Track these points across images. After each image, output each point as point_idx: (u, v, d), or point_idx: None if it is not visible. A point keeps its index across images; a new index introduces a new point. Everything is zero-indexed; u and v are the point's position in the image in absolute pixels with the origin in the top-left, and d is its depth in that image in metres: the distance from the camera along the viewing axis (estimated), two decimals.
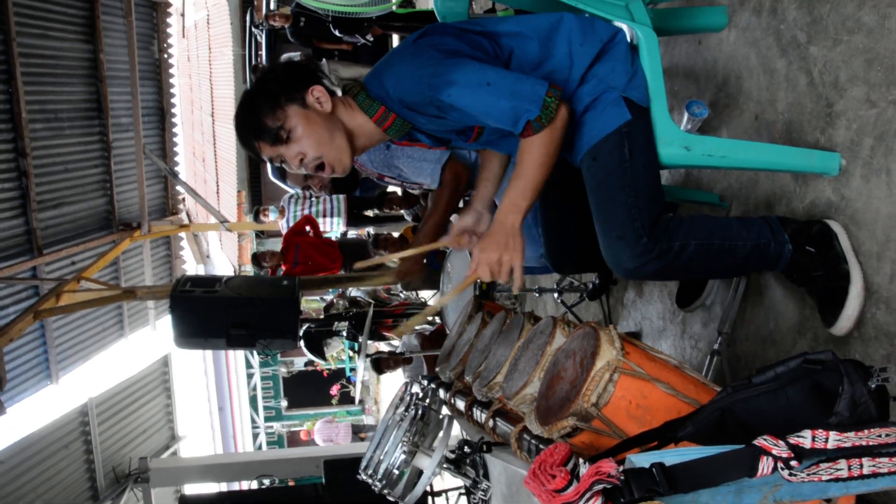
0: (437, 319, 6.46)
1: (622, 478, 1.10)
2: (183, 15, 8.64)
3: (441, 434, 1.80)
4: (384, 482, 1.76)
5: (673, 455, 1.13)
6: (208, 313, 4.72)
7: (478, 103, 1.65)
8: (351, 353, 14.65)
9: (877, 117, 1.72)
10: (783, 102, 2.07)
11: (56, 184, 6.26)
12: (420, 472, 1.76)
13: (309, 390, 17.16)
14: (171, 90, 8.06)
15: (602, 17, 1.90)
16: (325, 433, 12.55)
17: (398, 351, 6.29)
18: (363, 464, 1.99)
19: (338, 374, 16.32)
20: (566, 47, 1.76)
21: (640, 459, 1.16)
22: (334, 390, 13.62)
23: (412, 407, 1.84)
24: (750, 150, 1.89)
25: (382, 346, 8.61)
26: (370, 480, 1.91)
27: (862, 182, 1.77)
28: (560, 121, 1.66)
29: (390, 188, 8.27)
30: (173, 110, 8.17)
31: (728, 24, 2.33)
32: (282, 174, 3.70)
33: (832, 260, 1.76)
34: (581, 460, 1.15)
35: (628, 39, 1.87)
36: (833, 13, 1.86)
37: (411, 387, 2.06)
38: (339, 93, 1.84)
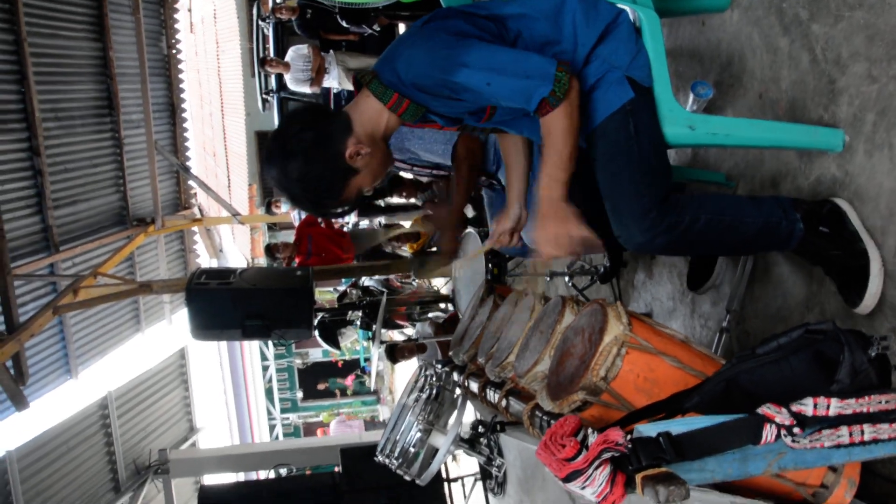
0: (451, 307, 6.51)
1: (630, 446, 1.14)
2: (190, 10, 8.68)
3: (455, 413, 1.84)
4: (400, 461, 1.80)
5: (679, 424, 1.17)
6: (224, 305, 4.79)
7: (490, 83, 1.68)
8: (365, 343, 14.76)
9: (878, 92, 1.74)
10: (786, 80, 2.09)
11: (70, 181, 6.34)
12: (435, 451, 1.80)
13: (327, 375, 17.32)
14: (181, 85, 8.11)
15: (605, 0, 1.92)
16: (340, 431, 12.69)
17: (413, 337, 6.33)
18: (380, 446, 2.03)
19: (352, 366, 16.45)
20: (571, 28, 1.79)
21: (648, 429, 1.19)
22: (349, 381, 13.72)
23: (427, 387, 1.88)
24: (754, 128, 1.91)
25: (397, 336, 8.68)
26: (387, 461, 1.96)
27: (865, 157, 1.79)
28: (574, 92, 1.70)
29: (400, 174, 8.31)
30: (183, 105, 8.23)
31: (731, 4, 2.34)
32: None
33: (847, 239, 1.77)
34: (590, 430, 1.18)
35: (631, 20, 1.90)
36: None
37: (426, 369, 2.10)
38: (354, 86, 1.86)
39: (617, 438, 1.14)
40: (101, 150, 6.78)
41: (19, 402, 5.00)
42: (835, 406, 1.14)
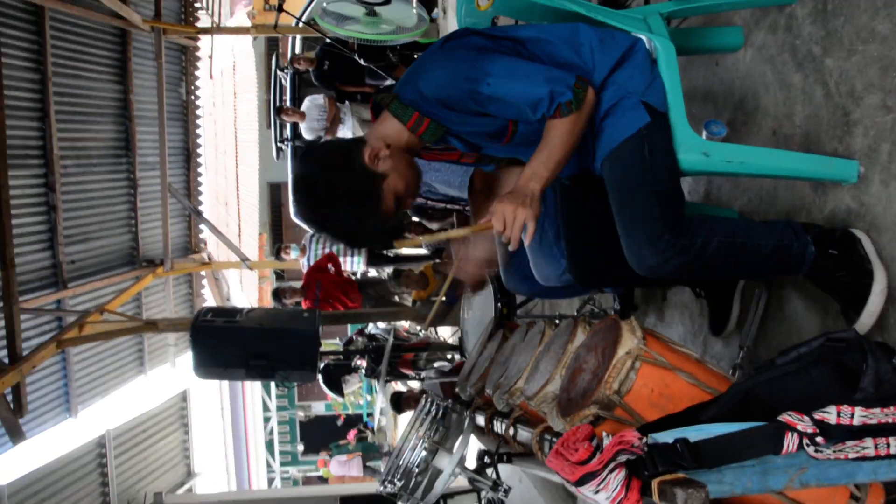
0: (458, 356, 6.44)
1: (646, 450, 1.10)
2: (211, 57, 8.89)
3: (462, 435, 1.79)
4: (403, 482, 1.75)
5: (696, 431, 1.14)
6: (228, 343, 4.75)
7: (516, 90, 1.71)
8: (369, 398, 14.55)
9: (893, 122, 1.74)
10: (800, 115, 2.10)
11: (83, 219, 6.40)
12: (439, 474, 1.75)
13: (326, 435, 17.05)
14: (197, 131, 8.25)
15: (621, 30, 1.95)
16: (341, 469, 12.45)
17: (418, 377, 6.23)
18: (383, 475, 1.98)
19: (355, 420, 16.22)
20: (588, 53, 1.82)
21: (664, 436, 1.16)
22: (350, 436, 13.50)
23: (433, 409, 1.84)
24: (769, 157, 1.91)
25: (401, 387, 8.57)
26: (390, 487, 1.90)
27: (881, 187, 1.79)
28: (588, 105, 1.73)
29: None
30: (199, 150, 8.35)
31: (744, 43, 2.38)
32: None
33: (856, 261, 1.77)
34: (605, 433, 1.15)
35: (647, 49, 1.92)
36: (847, 25, 1.90)
37: (432, 395, 2.06)
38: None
39: (633, 440, 1.10)
40: (115, 190, 6.86)
41: (16, 434, 4.93)
42: (859, 415, 1.11)
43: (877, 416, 1.12)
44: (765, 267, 1.84)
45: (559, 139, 1.72)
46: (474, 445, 2.36)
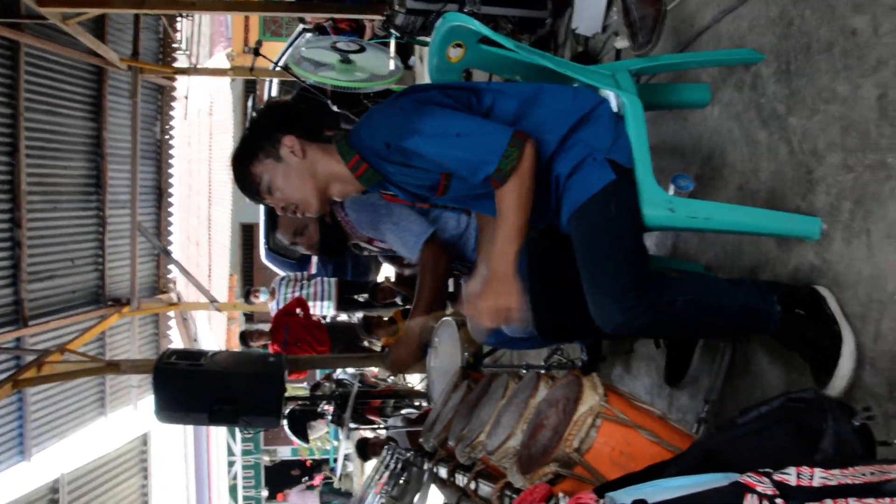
0: (425, 403, 6.36)
1: None
2: (186, 97, 8.89)
3: (420, 490, 1.74)
4: None
5: (653, 488, 1.11)
6: (192, 387, 4.64)
7: (438, 153, 1.74)
8: (335, 443, 14.28)
9: (854, 181, 1.77)
10: (766, 171, 2.13)
11: (49, 256, 6.29)
12: None
13: (291, 480, 16.67)
14: (170, 170, 8.20)
15: (590, 86, 1.98)
16: (299, 500, 12.15)
17: (383, 427, 6.14)
18: None
19: (320, 465, 15.88)
20: (543, 111, 1.84)
21: (621, 496, 1.13)
22: (317, 480, 13.21)
23: (392, 462, 1.79)
24: (733, 213, 1.93)
25: (369, 434, 8.44)
26: None
27: (843, 245, 1.80)
28: (526, 163, 1.71)
29: (380, 278, 8.30)
30: (170, 190, 8.29)
31: (712, 99, 2.42)
32: (273, 227, 3.72)
33: (823, 321, 1.76)
34: (561, 494, 1.12)
35: (613, 108, 1.94)
36: (809, 85, 1.94)
37: (395, 445, 2.01)
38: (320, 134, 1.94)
39: (589, 502, 1.07)
40: (83, 227, 6.77)
41: None
42: (819, 476, 1.09)
43: (837, 477, 1.10)
44: (731, 326, 1.84)
45: (509, 209, 1.73)
46: (437, 498, 2.31)
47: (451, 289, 4.22)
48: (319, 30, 6.73)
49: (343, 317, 8.13)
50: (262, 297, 8.20)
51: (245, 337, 6.63)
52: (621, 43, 3.00)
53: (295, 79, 4.40)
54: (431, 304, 2.92)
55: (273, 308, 7.25)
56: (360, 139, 1.84)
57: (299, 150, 1.87)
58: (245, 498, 16.91)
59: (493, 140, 1.71)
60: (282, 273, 8.05)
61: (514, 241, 1.73)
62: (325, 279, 7.30)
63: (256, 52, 4.67)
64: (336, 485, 12.05)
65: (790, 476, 1.09)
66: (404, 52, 7.29)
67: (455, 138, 1.72)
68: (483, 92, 1.86)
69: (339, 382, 6.87)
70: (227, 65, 11.12)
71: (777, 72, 2.09)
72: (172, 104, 8.14)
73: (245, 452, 16.54)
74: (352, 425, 5.84)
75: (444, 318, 3.76)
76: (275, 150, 1.88)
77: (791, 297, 1.82)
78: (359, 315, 7.61)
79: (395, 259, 5.36)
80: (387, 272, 8.67)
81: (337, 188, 1.94)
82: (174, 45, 8.15)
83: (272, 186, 1.91)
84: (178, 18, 8.22)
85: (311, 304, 7.04)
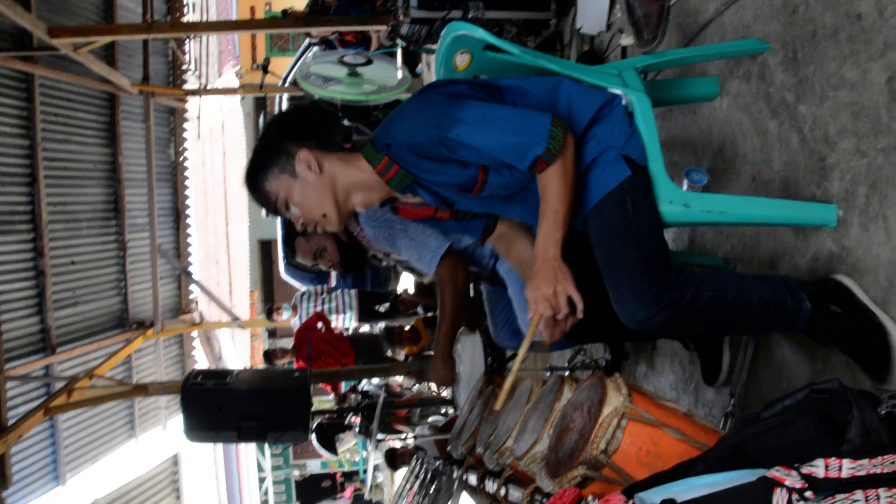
0: (451, 410, 6.37)
1: None
2: (199, 118, 8.98)
3: (452, 497, 1.75)
4: None
5: (681, 487, 1.11)
6: (219, 406, 4.68)
7: (486, 139, 1.70)
8: (364, 454, 14.32)
9: (868, 166, 1.76)
10: (778, 161, 2.12)
11: (72, 283, 6.37)
12: None
13: (322, 492, 16.71)
14: (186, 192, 8.28)
15: (598, 86, 1.98)
16: None
17: (411, 436, 6.15)
18: None
19: (351, 477, 15.93)
20: (566, 105, 1.83)
21: (650, 496, 1.13)
22: (347, 493, 13.24)
23: (423, 472, 1.80)
24: (748, 205, 1.92)
25: (397, 444, 8.45)
26: None
27: (860, 230, 1.79)
28: (569, 148, 1.72)
29: (400, 289, 8.31)
30: (188, 211, 8.37)
31: (720, 92, 2.41)
32: (291, 244, 3.73)
33: (861, 315, 1.74)
34: (591, 497, 1.12)
35: (624, 105, 1.94)
36: (818, 72, 1.93)
37: (423, 456, 2.02)
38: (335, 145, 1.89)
39: (618, 503, 1.07)
40: (104, 253, 6.85)
41: None
42: (847, 467, 1.08)
43: (865, 467, 1.10)
44: (756, 322, 1.80)
45: (556, 194, 1.71)
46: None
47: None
48: (326, 43, 6.77)
49: (365, 328, 8.16)
50: (285, 315, 8.24)
51: (269, 356, 6.67)
52: (626, 40, 3.00)
53: (304, 94, 4.43)
54: (456, 318, 2.93)
55: (296, 324, 7.30)
56: (392, 138, 1.77)
57: (315, 165, 1.81)
58: None
59: (536, 121, 1.70)
60: (302, 287, 8.10)
61: (560, 227, 1.72)
62: (346, 291, 7.34)
63: (265, 70, 4.71)
64: (367, 496, 12.09)
65: (818, 468, 1.09)
66: (411, 61, 7.32)
67: (500, 122, 1.69)
68: (504, 90, 1.85)
69: (365, 394, 6.89)
70: (236, 83, 11.23)
71: (784, 60, 2.09)
72: (185, 125, 8.23)
73: (275, 468, 16.62)
74: (379, 436, 5.85)
75: (461, 330, 3.76)
76: (290, 165, 1.82)
77: (820, 294, 1.79)
78: (381, 326, 7.64)
79: (414, 269, 5.38)
80: (406, 281, 8.68)
81: (359, 198, 1.88)
82: (184, 67, 8.25)
83: (289, 202, 1.86)
84: (186, 40, 8.32)
85: (332, 317, 7.08)
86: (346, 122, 4.27)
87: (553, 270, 1.71)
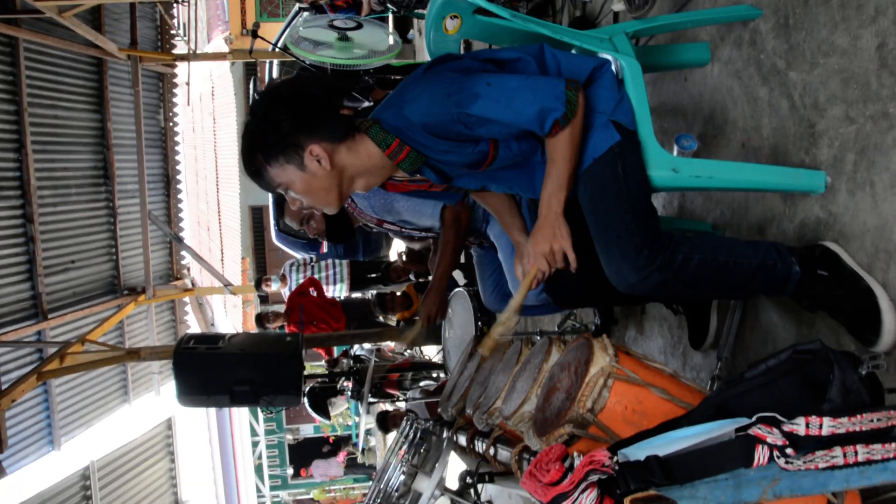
0: (443, 375, 6.43)
1: (617, 468, 1.11)
2: (188, 84, 8.89)
3: (441, 456, 1.79)
4: None
5: (663, 441, 1.14)
6: (212, 370, 4.72)
7: (507, 110, 1.69)
8: (356, 419, 14.48)
9: (857, 133, 1.77)
10: (768, 128, 2.13)
11: (62, 249, 6.35)
12: (419, 496, 1.75)
13: (315, 457, 16.92)
14: (177, 157, 8.23)
15: (588, 50, 1.98)
16: (322, 469, 12.36)
17: (404, 396, 6.21)
18: (366, 501, 1.97)
19: (343, 442, 16.10)
20: (554, 71, 1.83)
21: (634, 451, 1.16)
22: (341, 457, 13.40)
23: (412, 432, 1.83)
24: (736, 171, 1.94)
25: (388, 407, 8.54)
26: None
27: (848, 197, 1.81)
28: (581, 110, 1.74)
29: (392, 257, 8.32)
30: (178, 177, 8.32)
31: (711, 58, 2.41)
32: (281, 211, 3.78)
33: (848, 279, 1.76)
34: (576, 453, 1.15)
35: (614, 70, 1.94)
36: (809, 39, 1.94)
37: (413, 416, 2.05)
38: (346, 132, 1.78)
39: (603, 459, 1.10)
40: (94, 219, 6.83)
41: None
42: (827, 425, 1.12)
43: (845, 425, 1.13)
44: (747, 286, 1.83)
45: (564, 157, 1.74)
46: (457, 465, 2.36)
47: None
48: (316, 8, 6.69)
49: (357, 294, 8.19)
50: (274, 286, 8.24)
51: (261, 319, 6.69)
52: (618, 6, 2.98)
53: (294, 59, 4.38)
54: (456, 256, 3.09)
55: (285, 294, 7.30)
56: (404, 119, 1.71)
57: (326, 161, 1.72)
58: (271, 476, 17.19)
59: (551, 86, 1.71)
60: (294, 254, 8.09)
61: (564, 187, 1.76)
62: (337, 261, 7.32)
63: (255, 35, 4.65)
64: (360, 459, 12.24)
65: (799, 426, 1.12)
66: (402, 26, 7.25)
67: (518, 92, 1.69)
68: (504, 63, 1.83)
69: (357, 358, 6.94)
70: (225, 48, 11.07)
71: (775, 27, 2.08)
72: (174, 91, 8.14)
73: (268, 432, 16.79)
74: (371, 399, 5.92)
75: (457, 290, 3.80)
76: (297, 157, 1.72)
77: (807, 258, 1.82)
78: (373, 291, 7.66)
79: (406, 235, 5.40)
80: (398, 248, 8.69)
81: (362, 183, 1.83)
82: (172, 32, 8.13)
83: (290, 190, 1.78)
84: (174, 4, 8.19)
85: (324, 286, 7.09)
86: (369, 80, 4.16)
87: (553, 228, 1.76)
